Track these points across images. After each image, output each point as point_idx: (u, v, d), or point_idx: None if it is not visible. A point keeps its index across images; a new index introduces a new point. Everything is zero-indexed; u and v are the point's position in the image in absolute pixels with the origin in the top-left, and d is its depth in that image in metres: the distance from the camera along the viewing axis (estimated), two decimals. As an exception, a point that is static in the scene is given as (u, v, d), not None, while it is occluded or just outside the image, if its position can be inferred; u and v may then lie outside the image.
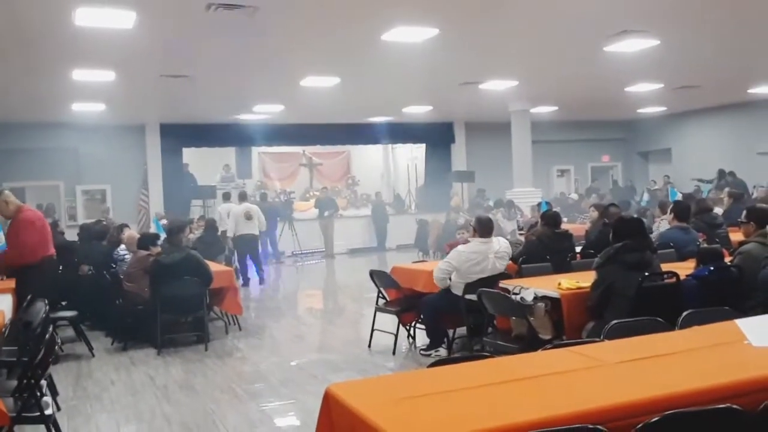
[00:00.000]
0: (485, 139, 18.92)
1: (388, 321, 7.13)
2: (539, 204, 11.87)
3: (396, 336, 6.87)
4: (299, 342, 8.22)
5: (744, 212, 5.61)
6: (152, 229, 11.69)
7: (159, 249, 7.75)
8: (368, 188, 20.54)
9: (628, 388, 2.64)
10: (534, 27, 8.57)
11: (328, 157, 21.75)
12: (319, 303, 11.58)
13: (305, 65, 10.44)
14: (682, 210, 7.24)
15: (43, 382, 4.25)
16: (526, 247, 7.12)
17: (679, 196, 12.44)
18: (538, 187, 16.32)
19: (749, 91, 15.40)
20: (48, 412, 3.99)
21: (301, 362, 6.82)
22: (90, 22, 7.22)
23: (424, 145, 19.84)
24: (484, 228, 6.23)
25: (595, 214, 9.02)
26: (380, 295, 7.24)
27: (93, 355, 7.17)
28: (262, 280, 12.62)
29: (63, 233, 10.56)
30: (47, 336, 4.15)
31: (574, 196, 18.47)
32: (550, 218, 7.22)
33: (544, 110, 16.72)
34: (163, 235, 8.39)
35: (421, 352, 6.63)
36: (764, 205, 5.93)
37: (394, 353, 6.82)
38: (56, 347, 4.48)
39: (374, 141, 19.83)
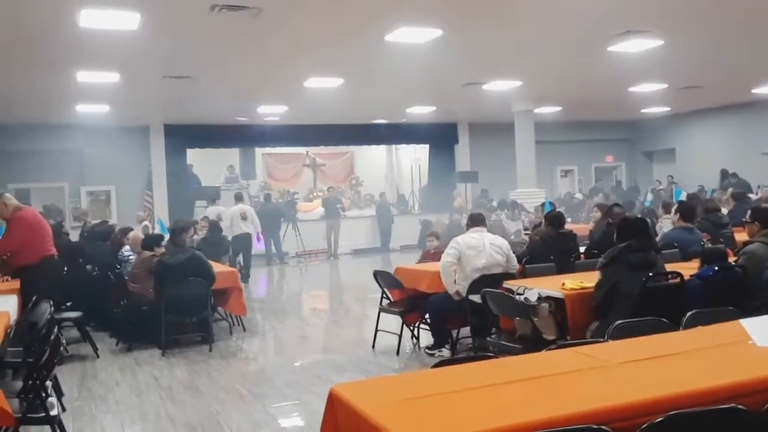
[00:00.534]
0: (489, 140, 18.91)
1: (392, 321, 7.13)
2: (543, 204, 11.88)
3: (400, 336, 6.87)
4: (303, 343, 8.22)
5: (749, 212, 5.60)
6: (157, 230, 11.73)
7: (163, 250, 7.76)
8: (372, 189, 20.55)
9: (632, 388, 2.64)
10: (537, 27, 8.57)
11: (331, 157, 21.79)
12: (323, 304, 11.59)
13: (309, 66, 10.45)
14: (687, 210, 7.22)
15: (49, 383, 4.27)
16: (529, 247, 7.12)
17: (683, 196, 12.43)
18: (542, 188, 16.31)
19: (753, 91, 15.37)
20: (53, 412, 4.01)
21: (306, 363, 6.82)
22: (94, 24, 7.25)
23: (427, 146, 19.85)
24: (475, 220, 6.56)
25: (598, 214, 9.01)
26: (384, 295, 7.25)
27: (98, 356, 7.19)
28: (246, 278, 12.64)
29: (68, 234, 10.57)
30: (52, 337, 4.17)
31: (579, 196, 18.45)
32: (554, 218, 7.21)
33: (548, 110, 16.71)
34: (167, 236, 8.40)
35: (426, 351, 6.64)
36: (769, 205, 5.92)
37: (398, 354, 6.82)
38: (61, 348, 4.48)
39: (378, 142, 19.85)
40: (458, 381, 2.84)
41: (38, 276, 6.58)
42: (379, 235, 17.88)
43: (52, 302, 5.46)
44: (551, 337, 4.93)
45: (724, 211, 10.14)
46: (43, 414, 3.90)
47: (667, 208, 8.88)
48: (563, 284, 5.21)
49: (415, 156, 21.21)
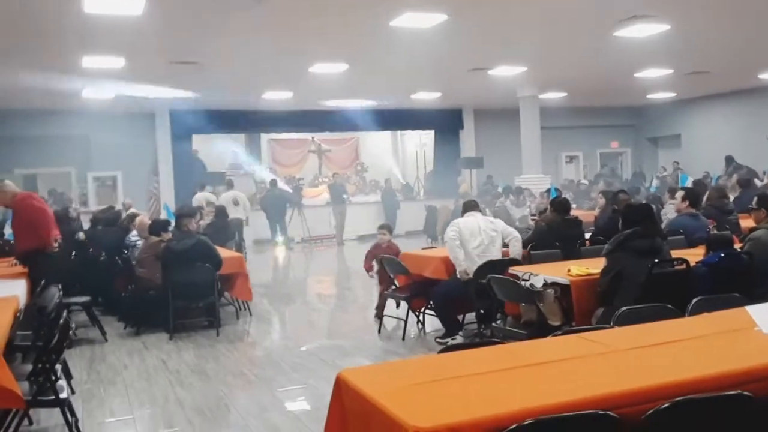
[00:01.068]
0: (494, 126, 18.87)
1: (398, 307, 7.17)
2: (548, 190, 11.87)
3: (405, 322, 6.91)
4: (309, 328, 8.27)
5: (755, 199, 5.60)
6: (163, 215, 11.77)
7: (170, 235, 7.80)
8: (377, 175, 20.55)
9: (638, 374, 2.66)
10: (543, 12, 8.53)
11: (336, 143, 21.77)
12: (329, 289, 11.63)
13: (314, 51, 10.43)
14: (694, 196, 7.22)
15: (58, 366, 4.32)
16: (535, 233, 7.13)
17: (689, 182, 12.41)
18: (547, 174, 16.28)
19: (760, 76, 15.29)
20: (63, 395, 4.06)
21: (312, 347, 6.87)
22: (99, 9, 7.25)
23: (432, 132, 19.80)
24: (467, 207, 6.77)
25: (603, 200, 9.00)
26: (390, 280, 7.28)
27: (106, 340, 7.24)
28: None
29: (75, 219, 10.62)
30: (61, 321, 4.21)
31: (585, 182, 18.43)
32: (559, 204, 7.21)
33: (553, 96, 16.65)
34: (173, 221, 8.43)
35: (437, 340, 6.57)
36: (775, 192, 5.91)
37: (403, 339, 6.86)
38: (70, 332, 4.52)
39: (383, 127, 19.80)
40: (465, 366, 2.87)
41: (44, 260, 6.61)
42: (384, 221, 17.87)
43: (60, 286, 5.51)
44: (556, 323, 4.95)
45: (731, 196, 10.12)
46: (53, 397, 3.95)
47: (673, 194, 8.87)
48: (569, 270, 5.23)
49: (420, 142, 21.18)
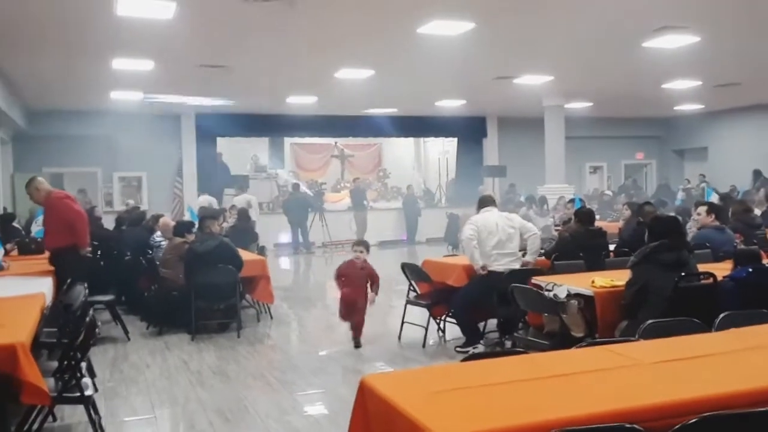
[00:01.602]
0: (518, 134, 18.79)
1: (418, 314, 7.16)
2: (572, 200, 11.79)
3: (426, 329, 6.89)
4: (329, 332, 8.27)
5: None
6: (186, 217, 11.87)
7: (194, 237, 7.86)
8: (399, 181, 20.55)
9: (665, 388, 2.63)
10: (572, 21, 8.49)
11: (359, 149, 21.82)
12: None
13: (340, 57, 10.47)
14: (719, 209, 7.15)
15: (83, 364, 4.36)
16: (558, 243, 7.09)
17: (714, 197, 12.25)
18: (570, 184, 16.17)
19: (791, 90, 15.07)
20: (88, 392, 4.10)
21: (331, 352, 6.88)
22: (131, 12, 7.34)
23: (455, 139, 19.78)
24: (484, 201, 6.86)
25: (628, 212, 8.92)
26: (411, 287, 7.27)
27: (129, 339, 7.32)
28: None
29: (100, 218, 10.75)
30: (88, 318, 4.26)
31: (609, 193, 18.28)
32: (584, 215, 7.17)
33: (579, 106, 16.54)
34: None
35: (457, 349, 6.54)
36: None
37: (424, 346, 6.84)
38: (96, 330, 4.58)
39: (406, 134, 19.81)
40: (489, 375, 2.86)
41: (73, 259, 6.69)
42: (405, 227, 17.89)
43: (86, 284, 5.57)
44: (579, 335, 4.91)
45: (758, 212, 9.98)
46: (78, 394, 4.00)
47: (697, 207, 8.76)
48: (593, 282, 5.19)
49: (443, 149, 21.15)
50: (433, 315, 6.96)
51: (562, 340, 4.75)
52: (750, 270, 4.88)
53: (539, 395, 2.63)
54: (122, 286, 8.42)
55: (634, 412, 2.40)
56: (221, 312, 7.84)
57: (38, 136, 14.99)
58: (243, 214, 11.39)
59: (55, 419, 4.70)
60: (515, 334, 5.56)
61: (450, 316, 6.99)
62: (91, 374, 5.29)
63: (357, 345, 6.89)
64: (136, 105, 14.29)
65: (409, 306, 7.16)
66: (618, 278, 5.13)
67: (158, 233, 8.77)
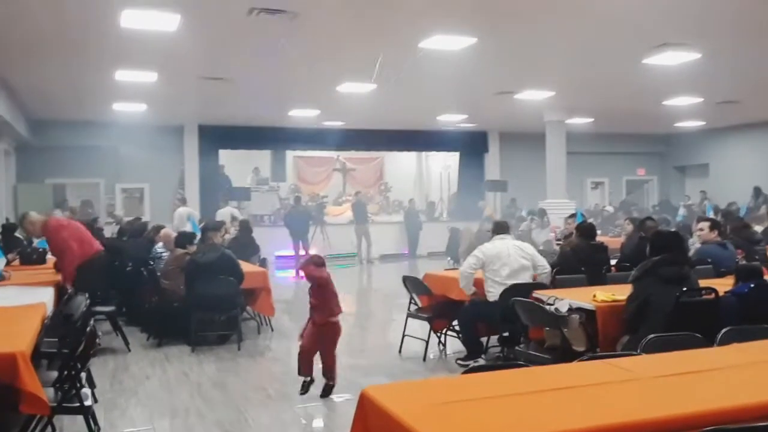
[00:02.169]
0: (519, 149, 18.84)
1: (419, 327, 7.14)
2: (573, 215, 11.78)
3: (427, 343, 6.87)
4: (329, 345, 8.25)
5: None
6: (188, 229, 11.87)
7: (195, 248, 7.86)
8: (400, 195, 20.58)
9: (666, 402, 2.62)
10: (573, 38, 8.54)
11: (361, 162, 21.89)
12: (350, 307, 11.59)
13: (343, 71, 10.53)
14: (720, 226, 7.17)
15: (83, 375, 4.35)
16: (560, 258, 7.09)
17: (712, 213, 12.26)
18: (572, 199, 16.18)
19: (792, 107, 15.12)
20: (87, 403, 4.09)
21: (332, 365, 6.84)
22: (135, 24, 7.39)
23: (457, 154, 19.83)
24: (499, 227, 6.70)
25: (629, 227, 8.92)
26: (412, 301, 7.26)
27: (129, 350, 7.29)
28: None
29: (102, 229, 10.76)
30: (88, 329, 4.25)
31: (610, 208, 18.29)
32: (586, 230, 7.17)
33: (580, 121, 16.60)
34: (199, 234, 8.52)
35: (458, 362, 6.53)
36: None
37: (424, 360, 6.82)
38: (96, 340, 4.57)
39: (408, 148, 19.85)
40: (490, 388, 2.85)
41: (88, 273, 6.71)
42: (406, 241, 17.89)
43: (87, 295, 5.56)
44: (581, 349, 4.89)
45: (759, 228, 9.98)
46: (78, 404, 3.98)
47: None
48: (594, 296, 5.18)
49: (444, 163, 21.20)
50: (434, 329, 6.95)
51: (564, 355, 4.73)
52: (752, 285, 4.87)
53: (540, 408, 2.62)
54: (123, 297, 8.41)
55: (635, 426, 2.40)
56: (222, 324, 7.82)
57: (41, 147, 15.05)
58: (244, 227, 11.39)
59: (54, 429, 4.65)
60: (516, 349, 5.54)
61: (451, 330, 6.98)
62: (91, 385, 5.29)
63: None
64: (139, 116, 14.34)
65: (409, 319, 7.14)
66: (619, 293, 5.12)
67: (160, 245, 8.77)
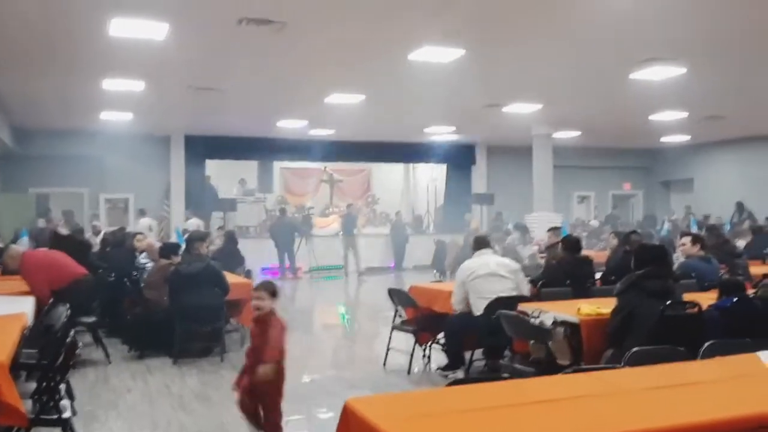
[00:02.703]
0: (506, 162, 18.92)
1: (404, 340, 7.11)
2: (558, 228, 11.82)
3: (411, 356, 6.84)
4: (314, 358, 8.20)
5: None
6: (173, 239, 11.81)
7: (179, 258, 7.80)
8: (387, 207, 20.57)
9: (650, 415, 2.62)
10: (561, 52, 8.60)
11: (348, 174, 21.88)
12: (335, 319, 11.57)
13: (331, 82, 10.53)
14: (701, 239, 7.23)
15: (62, 386, 4.29)
16: (545, 271, 7.10)
17: (695, 228, 12.36)
18: (558, 212, 16.24)
19: (775, 123, 15.29)
20: (66, 415, 4.02)
21: (316, 378, 6.81)
22: (124, 33, 7.36)
23: (444, 166, 19.87)
24: (479, 243, 6.66)
25: (614, 241, 8.97)
26: (397, 313, 7.23)
27: (109, 362, 7.20)
28: None
29: (91, 247, 10.59)
30: (68, 340, 4.19)
31: (595, 222, 18.37)
32: (571, 243, 7.19)
33: (567, 135, 16.70)
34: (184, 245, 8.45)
35: (439, 371, 6.55)
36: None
37: (409, 373, 6.78)
38: (77, 351, 4.51)
39: (396, 160, 19.86)
40: (473, 400, 2.83)
41: (75, 295, 6.59)
42: (392, 254, 17.85)
43: (68, 306, 5.49)
44: (565, 362, 4.89)
45: (742, 243, 10.07)
46: (56, 416, 3.92)
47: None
48: (579, 309, 5.18)
49: (432, 176, 21.23)
50: (419, 341, 6.92)
51: (548, 368, 4.72)
52: (735, 300, 4.90)
53: (524, 421, 2.61)
54: (105, 307, 8.30)
55: (619, 439, 2.38)
56: (205, 335, 7.74)
57: (25, 156, 14.91)
58: (230, 238, 11.33)
59: (31, 442, 4.59)
60: (501, 362, 5.53)
61: (436, 343, 6.95)
62: (70, 397, 5.21)
63: None
64: (125, 126, 14.26)
65: (395, 332, 7.11)
66: (604, 306, 5.12)
67: (143, 255, 8.69)
